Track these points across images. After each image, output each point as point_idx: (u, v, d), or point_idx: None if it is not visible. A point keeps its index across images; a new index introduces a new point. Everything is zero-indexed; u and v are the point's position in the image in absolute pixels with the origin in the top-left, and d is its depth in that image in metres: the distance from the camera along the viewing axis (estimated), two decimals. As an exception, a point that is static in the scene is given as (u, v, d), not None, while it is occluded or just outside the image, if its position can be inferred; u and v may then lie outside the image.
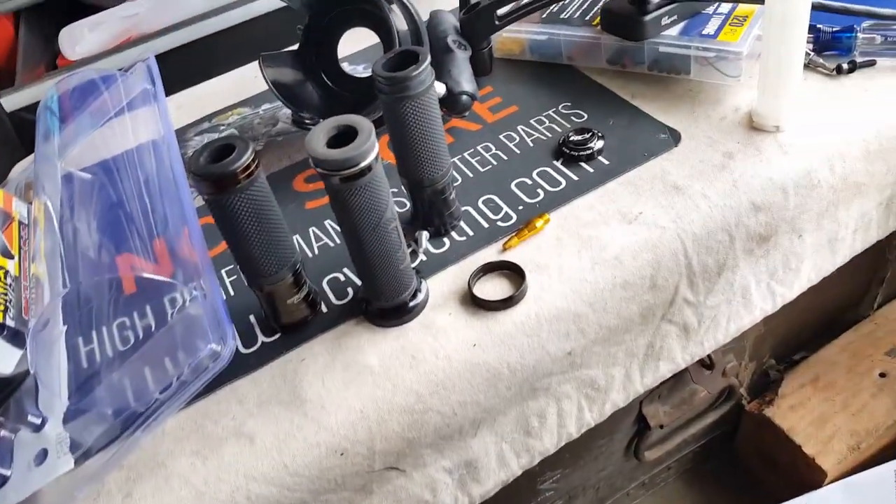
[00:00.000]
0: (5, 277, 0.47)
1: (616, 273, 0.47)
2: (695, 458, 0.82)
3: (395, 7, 0.57)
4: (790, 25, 0.48)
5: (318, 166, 0.39)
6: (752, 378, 0.75)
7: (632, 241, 0.48)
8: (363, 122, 0.39)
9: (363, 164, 0.38)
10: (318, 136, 0.39)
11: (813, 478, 0.69)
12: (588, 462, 0.67)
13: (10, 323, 0.44)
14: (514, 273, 0.48)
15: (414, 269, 0.48)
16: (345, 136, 0.39)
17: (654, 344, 0.52)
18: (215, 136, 0.68)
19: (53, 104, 0.65)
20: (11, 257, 0.50)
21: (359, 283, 0.50)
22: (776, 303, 0.56)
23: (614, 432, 0.66)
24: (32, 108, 0.79)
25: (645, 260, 0.47)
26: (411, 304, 0.47)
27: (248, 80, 0.75)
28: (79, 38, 0.82)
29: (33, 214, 0.56)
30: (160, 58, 0.65)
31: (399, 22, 0.58)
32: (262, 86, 0.73)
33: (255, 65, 0.76)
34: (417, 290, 0.47)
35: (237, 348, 0.48)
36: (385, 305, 0.46)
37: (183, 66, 0.78)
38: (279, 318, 0.48)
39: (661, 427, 0.66)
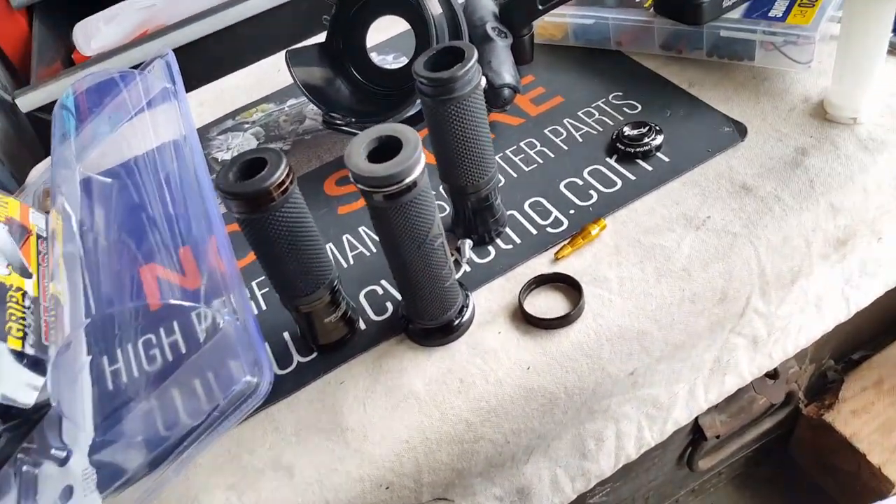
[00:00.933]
0: (23, 300, 0.44)
1: (684, 286, 0.43)
2: (746, 462, 0.78)
3: (430, -6, 0.52)
4: (876, 3, 0.43)
5: (359, 182, 0.35)
6: (810, 380, 0.71)
7: (700, 250, 0.44)
8: (408, 133, 0.35)
9: (409, 181, 0.34)
10: (359, 149, 0.35)
11: (879, 488, 0.65)
12: (639, 474, 0.64)
13: (29, 350, 0.41)
14: (569, 287, 0.44)
15: (458, 282, 0.44)
16: (388, 148, 0.35)
17: (720, 358, 0.48)
18: (240, 134, 0.65)
19: (70, 103, 0.62)
20: (30, 276, 0.47)
21: (398, 296, 0.46)
22: (850, 310, 0.51)
23: (668, 444, 0.62)
24: (49, 108, 0.76)
25: (715, 270, 0.43)
26: (457, 322, 0.43)
27: (271, 73, 0.71)
28: (94, 33, 0.78)
29: (51, 226, 0.54)
30: (179, 51, 0.62)
31: (433, 6, 0.53)
32: (287, 80, 0.69)
33: (278, 57, 0.73)
34: (464, 307, 0.44)
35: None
36: (429, 325, 0.43)
37: (203, 60, 0.74)
38: (316, 338, 0.45)
39: (717, 437, 0.62)
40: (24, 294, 0.45)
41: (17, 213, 0.52)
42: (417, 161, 0.34)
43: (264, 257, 0.40)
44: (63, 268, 0.46)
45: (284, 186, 0.37)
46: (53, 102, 0.75)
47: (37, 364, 0.41)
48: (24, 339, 0.41)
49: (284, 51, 0.55)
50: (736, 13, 0.52)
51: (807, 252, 0.45)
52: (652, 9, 0.55)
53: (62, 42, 0.93)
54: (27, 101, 0.75)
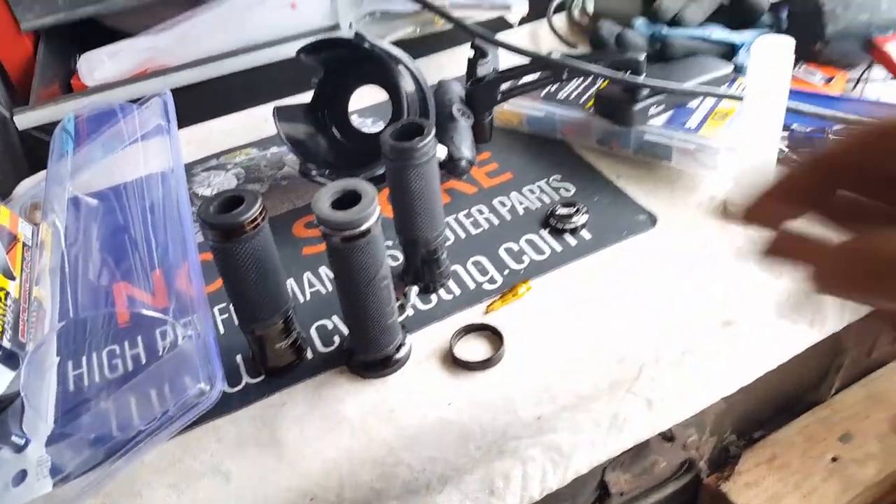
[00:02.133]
0: (5, 299, 0.49)
1: (590, 345, 0.50)
2: (655, 525, 0.84)
3: (403, 71, 0.61)
4: (765, 123, 0.53)
5: (322, 224, 0.41)
6: (712, 452, 0.78)
7: (606, 315, 0.51)
8: (367, 189, 0.42)
9: (363, 228, 0.41)
10: (325, 197, 0.42)
11: (766, 556, 0.71)
12: (550, 523, 0.69)
13: (5, 344, 0.46)
14: (493, 335, 0.51)
15: (401, 323, 0.50)
16: (349, 199, 0.42)
17: (618, 415, 0.54)
18: (222, 173, 0.71)
19: (70, 127, 0.68)
20: (13, 278, 0.52)
21: (346, 331, 0.52)
22: (734, 386, 0.59)
23: (577, 496, 0.68)
24: (44, 128, 0.82)
25: (618, 335, 0.50)
26: (395, 357, 0.49)
27: (258, 121, 0.78)
28: (97, 65, 0.85)
29: (40, 236, 0.59)
30: (176, 91, 0.68)
31: (407, 84, 0.62)
32: (272, 129, 0.76)
33: (266, 107, 0.80)
34: (402, 345, 0.50)
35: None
36: (369, 358, 0.49)
37: (196, 102, 0.81)
38: (265, 362, 0.50)
39: (622, 494, 0.68)
40: (7, 294, 0.50)
41: (7, 220, 0.57)
42: (372, 213, 0.41)
43: (230, 282, 0.46)
44: (49, 276, 0.51)
45: (256, 222, 0.43)
46: (50, 123, 0.81)
47: (10, 358, 0.46)
48: (2, 333, 0.46)
49: (273, 105, 0.63)
50: (660, 120, 0.61)
51: (699, 329, 0.53)
52: (592, 109, 0.64)
53: (64, 68, 0.99)
54: (25, 119, 0.80)
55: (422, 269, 0.54)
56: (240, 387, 0.50)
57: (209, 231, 0.43)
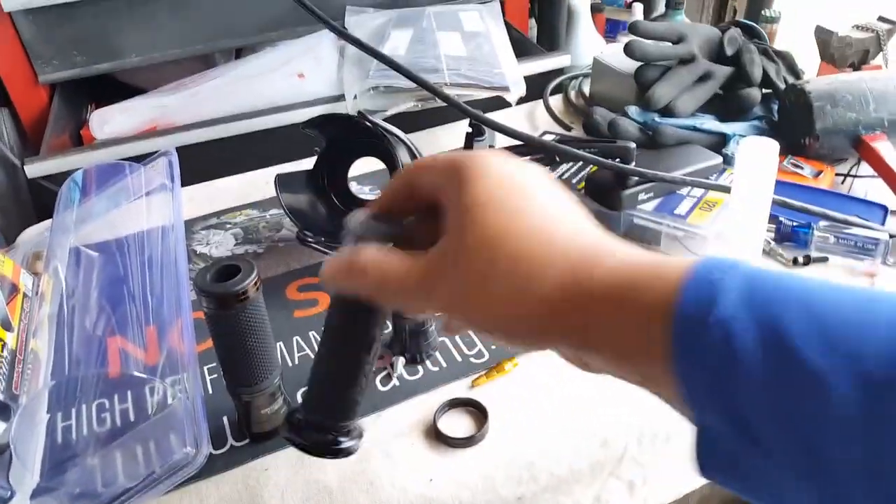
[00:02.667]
0: (2, 350, 0.50)
1: (574, 426, 0.51)
2: None
3: (402, 148, 0.63)
4: (752, 215, 0.55)
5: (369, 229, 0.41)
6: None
7: (592, 397, 0.52)
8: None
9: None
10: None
11: None
12: None
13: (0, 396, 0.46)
14: (478, 412, 0.51)
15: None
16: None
17: (600, 497, 0.54)
18: (221, 232, 0.73)
19: (78, 179, 0.70)
20: (11, 330, 0.53)
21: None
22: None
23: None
24: (52, 178, 0.84)
25: (603, 416, 0.51)
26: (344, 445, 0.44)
27: (259, 183, 0.80)
28: (108, 120, 0.88)
29: (41, 288, 0.60)
30: (181, 149, 0.71)
31: (404, 157, 0.64)
32: (272, 191, 0.79)
33: (269, 170, 0.83)
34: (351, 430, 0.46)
35: (207, 449, 0.50)
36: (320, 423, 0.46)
37: (202, 161, 0.84)
38: (251, 426, 0.51)
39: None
40: (4, 345, 0.50)
41: (9, 271, 0.58)
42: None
43: (221, 347, 0.47)
44: (46, 327, 0.52)
45: (249, 294, 0.44)
46: (58, 173, 0.83)
47: (2, 410, 0.46)
48: (-6, 386, 0.47)
49: (275, 175, 0.65)
50: (650, 205, 0.64)
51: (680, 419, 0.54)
52: (583, 191, 0.67)
53: (75, 119, 1.02)
54: (35, 169, 0.83)
55: (409, 340, 0.56)
56: (224, 449, 0.50)
57: (204, 298, 0.44)
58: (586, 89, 0.94)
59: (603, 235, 0.29)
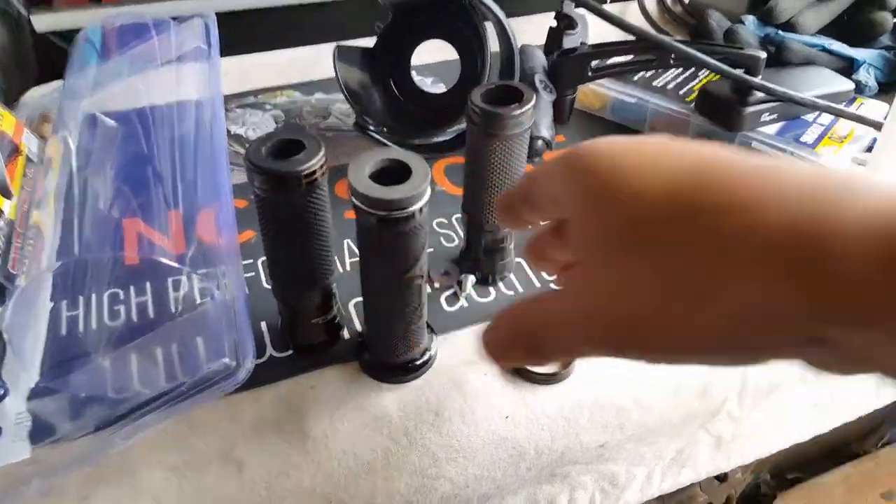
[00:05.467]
0: None
1: (671, 374, 0.43)
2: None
3: (488, 27, 0.53)
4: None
5: (356, 198, 0.33)
6: (746, 488, 0.72)
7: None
8: (419, 165, 0.34)
9: (407, 212, 0.33)
10: (365, 166, 0.34)
11: None
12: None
13: (-5, 273, 0.38)
14: (562, 346, 0.44)
15: (428, 325, 0.42)
16: (395, 173, 0.33)
17: (683, 450, 0.48)
18: (259, 113, 0.63)
19: (95, 38, 0.60)
20: (9, 197, 0.44)
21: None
22: (810, 432, 0.53)
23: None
24: (64, 35, 0.73)
25: (702, 368, 0.43)
26: (416, 363, 0.42)
27: (305, 62, 0.70)
28: (132, -26, 0.76)
29: (47, 153, 0.51)
30: (218, 15, 0.60)
31: (492, 42, 0.54)
32: (319, 73, 0.68)
33: (315, 48, 0.72)
34: (427, 349, 0.42)
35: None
36: (387, 360, 0.41)
37: (240, 31, 0.72)
38: (296, 336, 0.43)
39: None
40: (1, 214, 0.42)
41: (11, 128, 0.49)
42: (421, 195, 0.33)
43: (272, 241, 0.39)
44: (53, 200, 0.44)
45: (316, 176, 0.36)
46: (71, 30, 0.72)
47: (-3, 292, 0.38)
48: (-8, 260, 0.38)
49: (334, 47, 0.55)
50: (771, 129, 0.54)
51: (788, 370, 0.46)
52: (694, 104, 0.57)
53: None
54: (44, 21, 0.72)
55: (483, 257, 0.47)
56: (263, 359, 0.43)
57: (258, 178, 0.35)
58: (683, -8, 0.81)
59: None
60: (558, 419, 0.41)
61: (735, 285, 0.18)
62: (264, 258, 0.49)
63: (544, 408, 0.41)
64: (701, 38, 0.67)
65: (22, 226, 0.43)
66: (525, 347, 0.25)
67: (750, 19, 0.65)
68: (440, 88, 0.66)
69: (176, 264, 0.43)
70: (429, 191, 0.34)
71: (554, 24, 0.65)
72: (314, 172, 0.35)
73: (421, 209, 0.33)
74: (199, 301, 0.46)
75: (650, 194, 0.20)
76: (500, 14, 0.52)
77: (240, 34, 0.72)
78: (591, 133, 0.62)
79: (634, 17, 0.79)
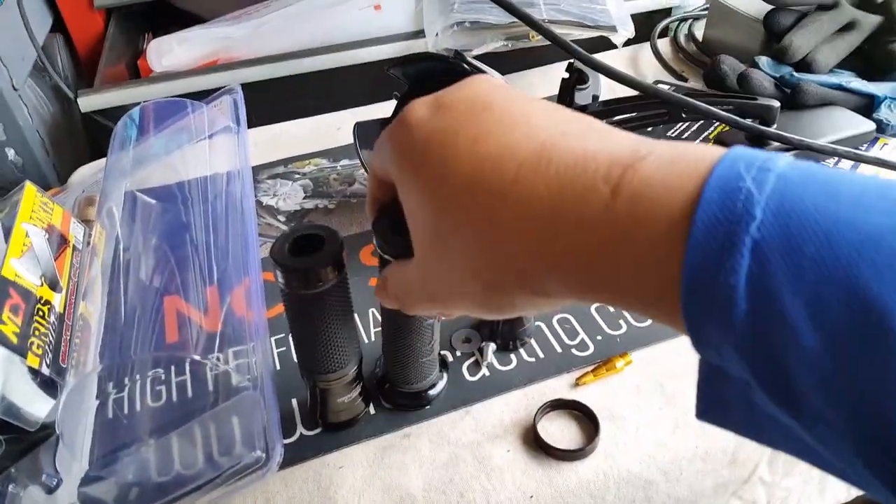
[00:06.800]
0: (49, 315, 0.44)
1: (698, 442, 0.43)
2: None
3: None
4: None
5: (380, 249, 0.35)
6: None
7: (719, 410, 0.44)
8: None
9: None
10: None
11: None
12: None
13: (44, 370, 0.41)
14: (585, 418, 0.44)
15: (440, 357, 0.47)
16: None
17: (717, 518, 0.47)
18: (289, 183, 0.66)
19: (135, 116, 0.64)
20: (59, 290, 0.47)
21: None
22: (850, 493, 0.51)
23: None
24: (107, 113, 0.78)
25: (731, 433, 0.43)
26: (426, 394, 0.46)
27: (330, 128, 0.73)
28: (166, 51, 0.81)
29: (93, 240, 0.54)
30: (244, 87, 0.63)
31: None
32: (344, 138, 0.71)
33: (339, 114, 0.75)
34: (435, 384, 0.46)
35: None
36: (401, 389, 0.45)
37: (266, 101, 0.76)
38: (325, 415, 0.44)
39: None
40: (51, 309, 0.45)
41: (59, 221, 0.53)
42: None
43: (299, 330, 0.40)
44: (98, 288, 0.47)
45: (337, 270, 0.37)
46: (114, 108, 0.77)
47: (48, 385, 0.41)
48: (42, 357, 0.41)
49: (353, 123, 0.57)
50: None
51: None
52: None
53: (132, 49, 0.95)
54: (88, 102, 0.76)
55: (501, 324, 0.48)
56: (293, 438, 0.45)
57: (284, 275, 0.37)
58: (698, 33, 0.81)
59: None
60: (584, 497, 0.41)
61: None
62: (295, 332, 0.51)
63: (569, 485, 0.41)
64: (714, 82, 0.67)
65: (70, 317, 0.46)
66: (398, 306, 0.30)
67: (764, 60, 0.65)
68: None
69: (215, 363, 0.45)
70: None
71: (566, 75, 0.65)
72: (335, 268, 0.37)
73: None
74: (234, 380, 0.48)
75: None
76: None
77: (267, 103, 0.75)
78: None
79: (647, 58, 0.79)
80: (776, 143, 0.52)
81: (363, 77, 0.77)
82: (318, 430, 0.45)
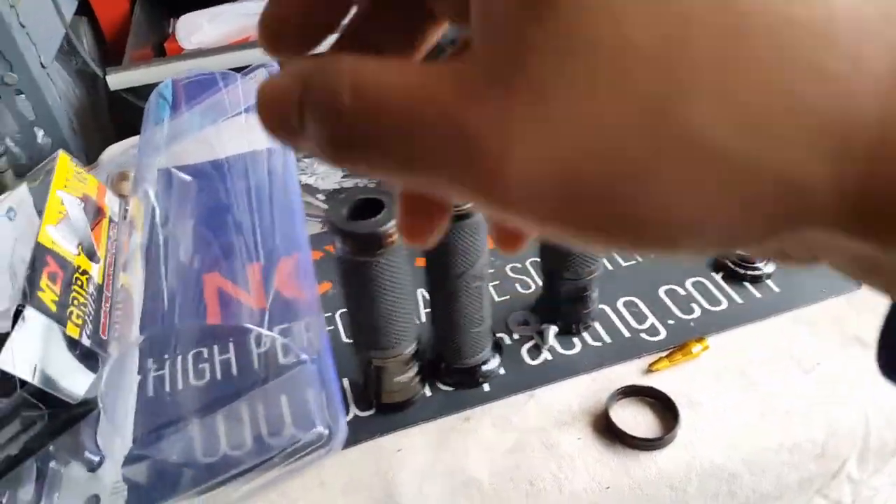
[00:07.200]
0: (88, 285, 0.42)
1: (785, 432, 0.40)
2: None
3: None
4: None
5: None
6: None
7: (808, 397, 0.41)
8: None
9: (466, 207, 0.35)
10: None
11: None
12: None
13: (84, 341, 0.38)
14: (662, 406, 0.41)
15: (494, 338, 0.44)
16: None
17: (797, 516, 0.44)
18: (326, 161, 0.63)
19: (167, 93, 0.61)
20: (97, 260, 0.45)
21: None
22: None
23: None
24: (136, 91, 0.75)
25: (820, 423, 0.40)
26: (481, 370, 0.43)
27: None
28: (196, 29, 0.78)
29: (130, 213, 0.51)
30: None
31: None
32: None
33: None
34: (488, 360, 0.43)
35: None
36: (453, 365, 0.42)
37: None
38: (380, 395, 0.41)
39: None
40: (90, 279, 0.42)
41: (94, 191, 0.50)
42: None
43: (355, 302, 0.38)
44: (139, 260, 0.44)
45: (396, 236, 0.34)
46: (143, 86, 0.75)
47: (88, 357, 0.38)
48: (82, 327, 0.38)
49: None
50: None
51: (914, 424, 0.42)
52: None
53: (158, 29, 0.93)
54: (117, 80, 0.74)
55: (564, 304, 0.45)
56: (348, 418, 0.41)
57: (341, 241, 0.34)
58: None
59: None
60: (664, 489, 0.38)
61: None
62: (342, 310, 0.49)
63: (648, 477, 0.38)
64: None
65: (109, 289, 0.44)
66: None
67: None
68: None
69: (256, 328, 0.42)
70: None
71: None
72: (395, 232, 0.34)
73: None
74: (281, 359, 0.45)
75: None
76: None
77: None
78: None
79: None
80: None
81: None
82: (372, 412, 0.42)
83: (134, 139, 0.67)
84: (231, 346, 0.46)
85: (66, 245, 0.42)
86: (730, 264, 0.48)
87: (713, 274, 0.49)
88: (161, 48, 0.89)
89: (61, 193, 0.46)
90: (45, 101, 0.71)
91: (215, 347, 0.46)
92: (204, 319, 0.49)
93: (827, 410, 0.40)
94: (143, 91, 0.75)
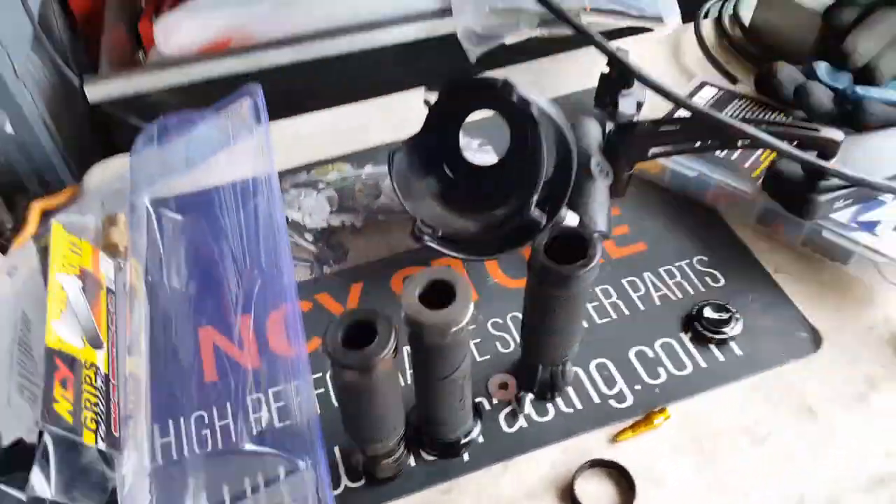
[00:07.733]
0: (95, 379, 0.45)
1: (739, 499, 0.44)
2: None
3: (547, 127, 0.51)
4: None
5: (408, 325, 0.37)
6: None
7: (756, 470, 0.45)
8: (462, 285, 0.37)
9: (453, 330, 0.37)
10: (415, 288, 0.37)
11: None
12: None
13: (101, 445, 0.42)
14: (622, 479, 0.45)
15: (475, 406, 0.47)
16: (440, 292, 0.37)
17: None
18: (313, 193, 0.64)
19: (153, 133, 0.61)
20: (100, 346, 0.47)
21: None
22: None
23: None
24: (118, 103, 0.74)
25: (769, 496, 0.44)
26: (460, 442, 0.47)
27: (351, 127, 0.69)
28: (174, 30, 0.75)
29: (129, 279, 0.53)
30: (261, 74, 0.59)
31: (550, 146, 0.51)
32: (367, 139, 0.68)
33: (360, 106, 0.71)
34: (469, 432, 0.47)
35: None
36: (436, 438, 0.46)
37: (284, 88, 0.72)
38: (369, 473, 0.46)
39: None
40: (97, 371, 0.45)
41: (89, 261, 0.52)
42: (463, 315, 0.36)
43: (348, 410, 0.41)
44: (143, 338, 0.46)
45: (389, 360, 0.37)
46: (123, 98, 0.73)
47: (106, 462, 0.42)
48: (96, 431, 0.42)
49: (388, 152, 0.54)
50: (844, 215, 0.51)
51: (853, 486, 0.46)
52: (761, 183, 0.54)
53: (131, 8, 0.89)
54: (96, 91, 0.73)
55: (540, 377, 0.48)
56: (339, 490, 0.46)
57: (336, 367, 0.37)
58: (744, 14, 0.75)
59: None
60: (621, 557, 0.43)
61: None
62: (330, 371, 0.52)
63: (607, 549, 0.43)
64: (766, 90, 0.62)
65: (115, 376, 0.46)
66: None
67: (823, 67, 0.60)
68: (488, 152, 0.64)
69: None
70: (471, 309, 0.37)
71: (606, 69, 0.61)
72: (388, 356, 0.37)
73: (463, 326, 0.37)
74: (277, 424, 0.49)
75: None
76: (552, 112, 0.50)
77: (284, 91, 0.71)
78: (649, 207, 0.60)
79: (690, 45, 0.73)
80: (834, 180, 0.50)
81: (393, 63, 0.72)
82: (361, 483, 0.46)
83: (117, 161, 0.67)
84: (228, 409, 0.50)
85: (71, 340, 0.45)
86: (698, 326, 0.50)
87: (681, 334, 0.51)
88: (138, 39, 0.85)
89: (61, 277, 0.48)
90: (23, 115, 0.70)
91: (214, 410, 0.49)
92: (201, 378, 0.53)
93: (776, 484, 0.44)
94: (122, 102, 0.74)
